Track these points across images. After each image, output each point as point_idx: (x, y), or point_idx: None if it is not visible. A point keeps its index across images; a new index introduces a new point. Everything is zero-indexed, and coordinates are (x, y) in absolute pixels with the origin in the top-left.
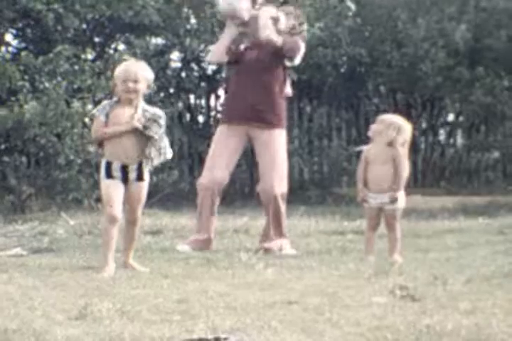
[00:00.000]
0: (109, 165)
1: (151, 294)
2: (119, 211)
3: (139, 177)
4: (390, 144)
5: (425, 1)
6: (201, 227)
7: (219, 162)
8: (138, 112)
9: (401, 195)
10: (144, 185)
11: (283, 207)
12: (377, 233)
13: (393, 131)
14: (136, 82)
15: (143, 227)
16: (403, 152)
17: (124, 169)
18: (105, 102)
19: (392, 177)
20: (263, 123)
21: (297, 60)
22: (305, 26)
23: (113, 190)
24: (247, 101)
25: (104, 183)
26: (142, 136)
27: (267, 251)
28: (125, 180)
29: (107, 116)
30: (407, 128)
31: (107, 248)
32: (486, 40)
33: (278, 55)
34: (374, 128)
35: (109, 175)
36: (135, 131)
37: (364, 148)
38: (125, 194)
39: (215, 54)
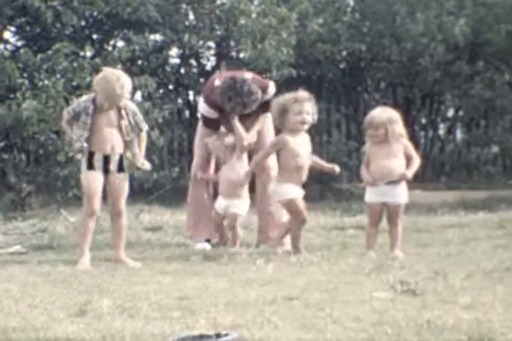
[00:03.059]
0: (91, 155)
1: (151, 291)
2: (98, 205)
3: (120, 168)
4: (389, 139)
5: None
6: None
7: None
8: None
9: (403, 189)
10: (125, 177)
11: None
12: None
13: (383, 129)
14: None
15: (143, 224)
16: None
17: (106, 160)
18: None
19: (400, 170)
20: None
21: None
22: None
23: (93, 183)
24: None
25: (85, 175)
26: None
27: (268, 246)
28: (106, 171)
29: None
30: (396, 118)
31: (83, 240)
32: (485, 34)
33: None
34: (368, 123)
35: (90, 165)
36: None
37: (365, 147)
38: (107, 186)
39: None
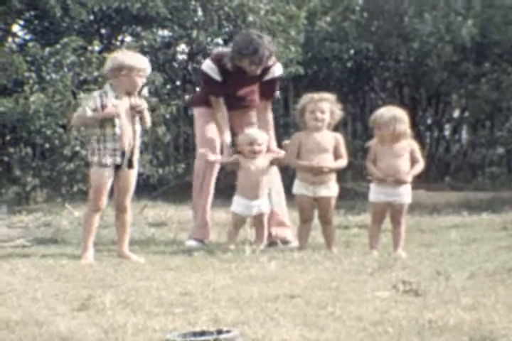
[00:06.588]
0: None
1: (154, 286)
2: (105, 201)
3: (130, 165)
4: (398, 137)
5: None
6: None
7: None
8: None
9: (408, 189)
10: (134, 173)
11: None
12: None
13: (391, 127)
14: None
15: (147, 219)
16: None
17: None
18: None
19: (405, 170)
20: (244, 106)
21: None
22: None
23: (103, 179)
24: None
25: (96, 170)
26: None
27: (272, 239)
28: (117, 166)
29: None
30: (402, 116)
31: (87, 235)
32: (492, 35)
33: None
34: (374, 121)
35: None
36: (133, 117)
37: (371, 142)
38: (115, 181)
39: None
